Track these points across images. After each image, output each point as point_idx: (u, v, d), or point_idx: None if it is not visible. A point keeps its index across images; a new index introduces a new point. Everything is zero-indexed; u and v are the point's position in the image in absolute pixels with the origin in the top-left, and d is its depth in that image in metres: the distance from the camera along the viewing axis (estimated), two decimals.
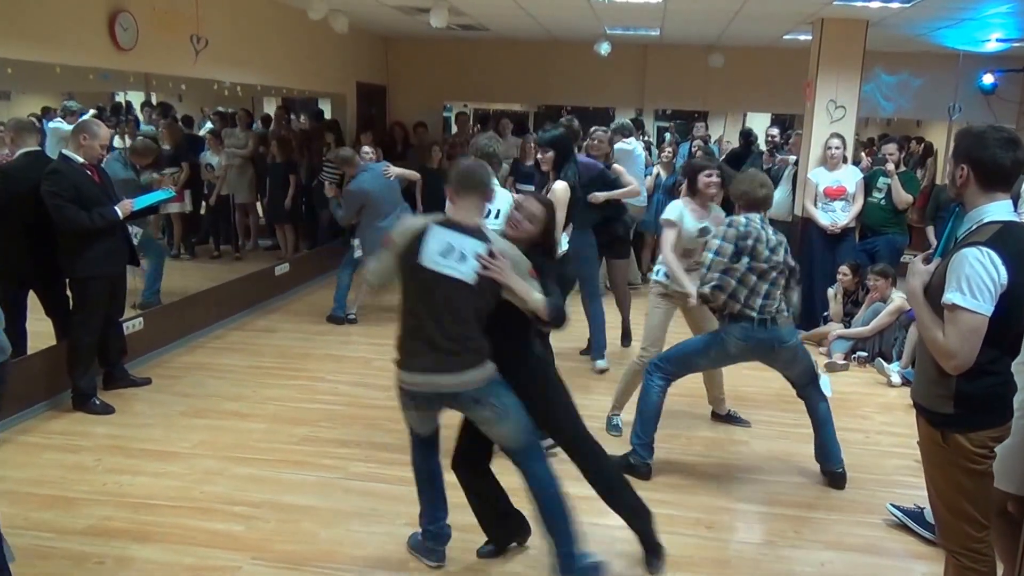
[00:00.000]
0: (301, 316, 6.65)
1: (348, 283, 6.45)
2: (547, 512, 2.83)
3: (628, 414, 4.10)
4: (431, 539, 3.04)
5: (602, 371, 5.36)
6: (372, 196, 6.02)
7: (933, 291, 2.31)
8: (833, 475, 3.89)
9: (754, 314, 3.57)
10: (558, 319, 2.81)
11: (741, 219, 3.67)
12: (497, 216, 3.78)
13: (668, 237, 4.15)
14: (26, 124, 4.53)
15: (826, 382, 3.88)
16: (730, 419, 4.61)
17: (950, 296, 2.21)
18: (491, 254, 2.65)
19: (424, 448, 2.99)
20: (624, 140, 6.96)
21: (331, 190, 6.40)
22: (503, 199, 3.86)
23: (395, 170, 6.38)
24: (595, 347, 5.47)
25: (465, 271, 2.64)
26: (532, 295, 2.71)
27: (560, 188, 4.10)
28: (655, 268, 4.36)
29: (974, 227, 2.29)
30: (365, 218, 6.09)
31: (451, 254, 2.64)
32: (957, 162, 2.35)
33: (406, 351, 2.75)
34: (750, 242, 3.59)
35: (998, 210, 2.28)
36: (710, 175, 4.18)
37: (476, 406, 2.76)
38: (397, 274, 2.74)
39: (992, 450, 2.32)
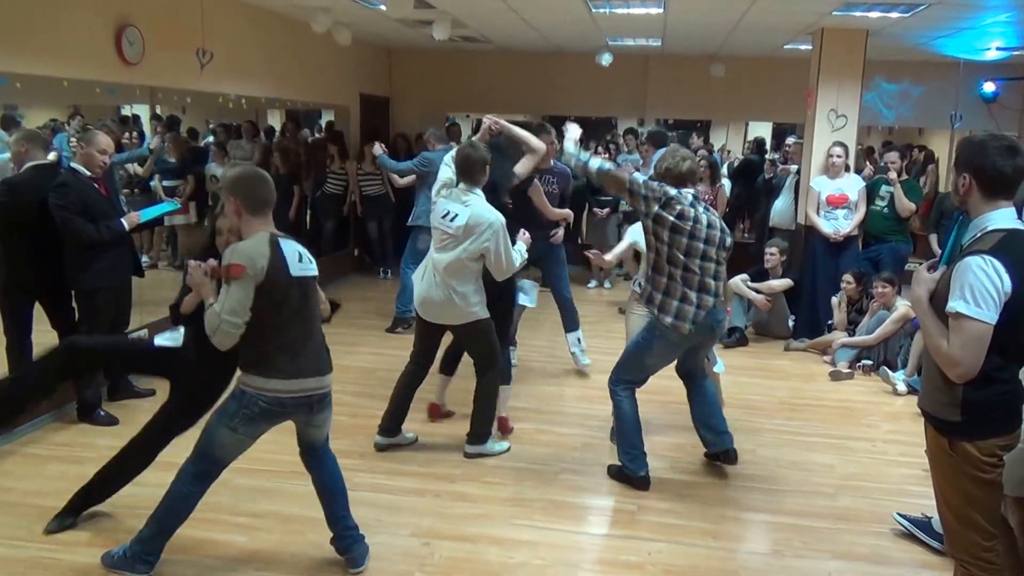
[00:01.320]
0: None
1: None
2: (341, 495, 3.13)
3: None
4: (146, 564, 2.95)
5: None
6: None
7: (938, 299, 2.32)
8: (729, 453, 3.93)
9: (693, 294, 3.56)
10: None
11: (671, 189, 3.60)
12: (454, 220, 3.86)
13: (621, 247, 4.48)
14: (37, 137, 4.55)
15: (720, 362, 3.96)
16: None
17: (954, 304, 2.22)
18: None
19: (208, 481, 3.01)
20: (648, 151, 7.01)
21: (381, 147, 6.47)
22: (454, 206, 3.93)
23: None
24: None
25: (315, 269, 2.97)
26: None
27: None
28: (632, 279, 4.43)
29: (978, 235, 2.30)
30: (424, 191, 6.11)
31: (303, 258, 2.90)
32: (959, 171, 2.37)
33: (291, 361, 2.85)
34: (683, 222, 3.51)
35: (1001, 218, 2.29)
36: None
37: (327, 407, 3.04)
38: (264, 295, 2.75)
39: (1000, 458, 2.32)
